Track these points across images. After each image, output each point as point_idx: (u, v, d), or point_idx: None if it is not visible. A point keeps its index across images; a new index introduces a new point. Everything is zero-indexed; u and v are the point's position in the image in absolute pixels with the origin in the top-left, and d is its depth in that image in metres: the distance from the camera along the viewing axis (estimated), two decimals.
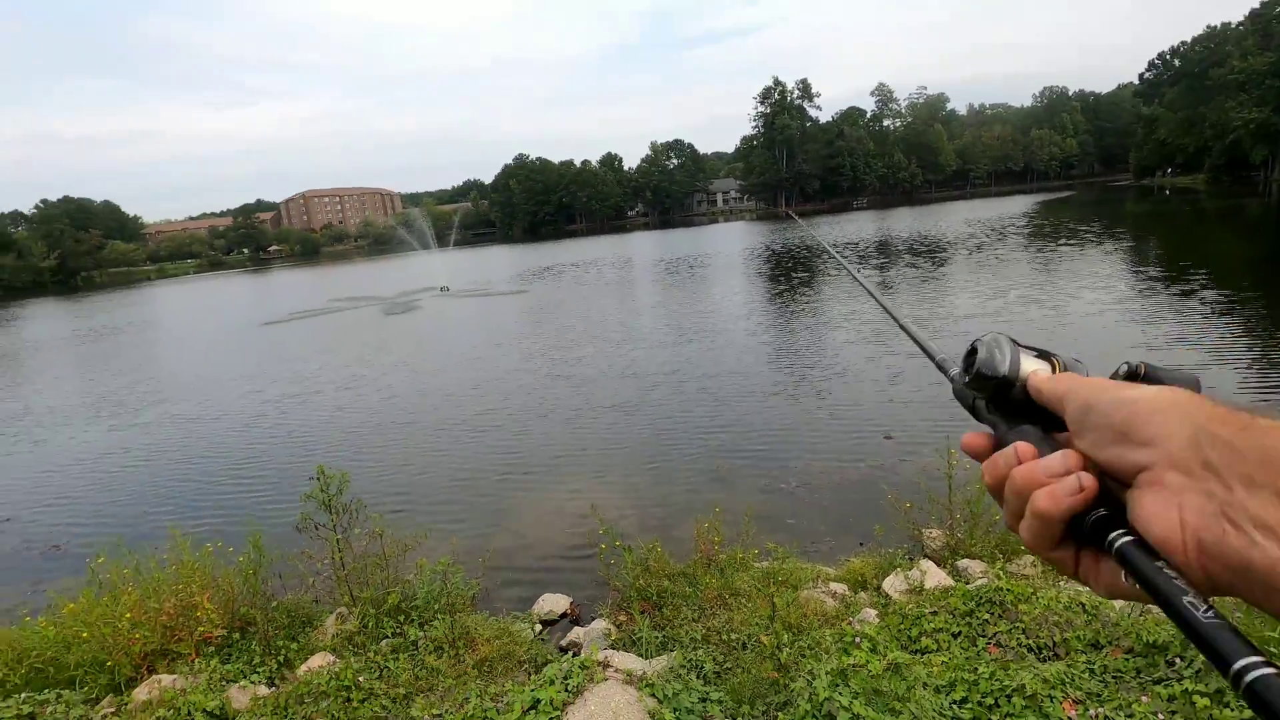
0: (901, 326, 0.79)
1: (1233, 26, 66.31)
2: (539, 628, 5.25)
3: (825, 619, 4.48)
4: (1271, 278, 17.74)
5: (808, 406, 10.30)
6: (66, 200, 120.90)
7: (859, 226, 51.88)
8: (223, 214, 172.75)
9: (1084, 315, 14.34)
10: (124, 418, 13.48)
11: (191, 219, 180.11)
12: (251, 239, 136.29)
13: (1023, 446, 0.50)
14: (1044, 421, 0.53)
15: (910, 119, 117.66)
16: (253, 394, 14.32)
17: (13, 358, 25.24)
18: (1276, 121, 56.31)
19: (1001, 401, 0.56)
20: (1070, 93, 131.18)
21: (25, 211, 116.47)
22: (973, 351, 0.57)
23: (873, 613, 4.46)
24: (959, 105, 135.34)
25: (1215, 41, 67.40)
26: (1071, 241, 28.21)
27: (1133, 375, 0.52)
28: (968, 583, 4.55)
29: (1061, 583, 4.51)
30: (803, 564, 5.53)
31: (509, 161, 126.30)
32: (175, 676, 4.22)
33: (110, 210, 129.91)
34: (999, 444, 0.54)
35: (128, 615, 4.41)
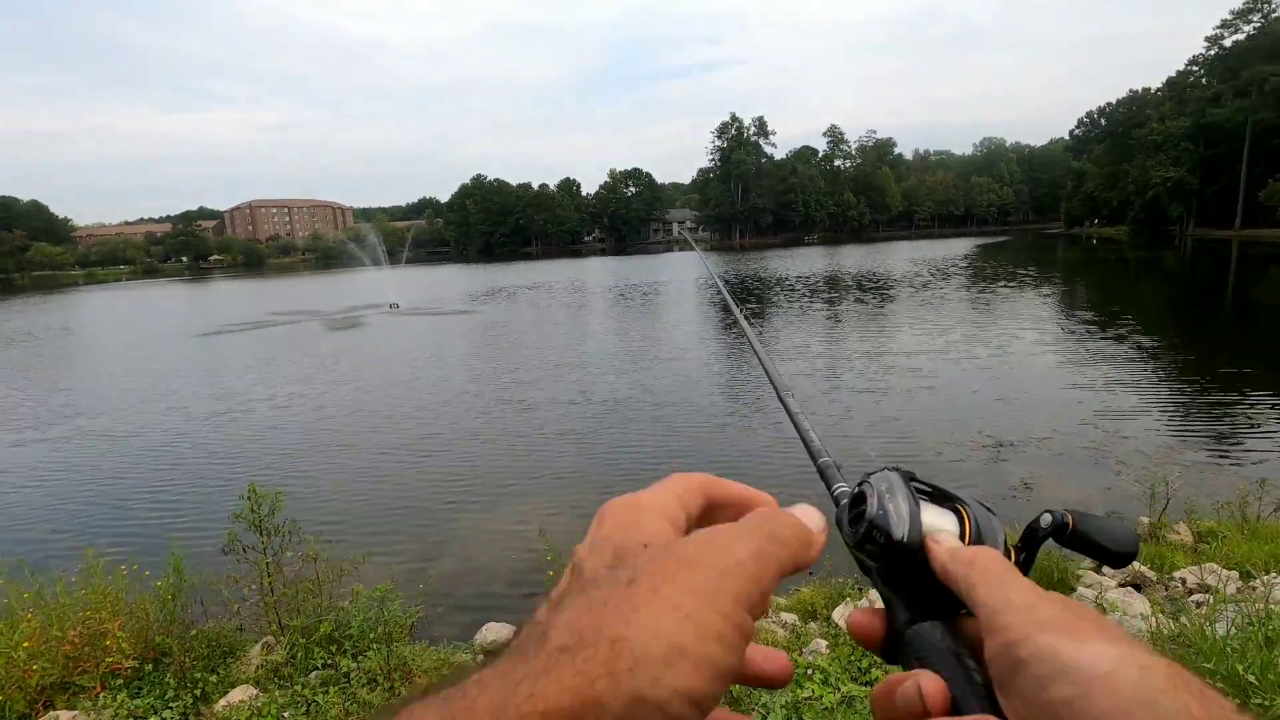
0: (787, 410, 0.66)
1: (1152, 92, 71.65)
2: (481, 658, 5.03)
3: (776, 649, 4.42)
4: (1192, 325, 18.96)
5: (758, 434, 10.36)
6: None
7: (809, 261, 53.32)
8: (161, 219, 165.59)
9: (1026, 354, 14.96)
10: (34, 431, 12.54)
11: (127, 223, 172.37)
12: (191, 247, 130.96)
13: (930, 687, 0.36)
14: (948, 605, 0.40)
15: (860, 160, 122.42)
16: (177, 409, 13.53)
17: None
18: (1190, 181, 60.91)
19: (896, 572, 0.42)
20: (1008, 144, 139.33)
21: None
22: (860, 498, 0.45)
23: (824, 643, 4.43)
24: (905, 150, 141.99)
25: (1136, 105, 72.58)
26: (1010, 284, 29.65)
27: (1060, 530, 0.45)
28: None
29: None
30: None
31: (466, 181, 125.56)
32: (75, 713, 3.85)
33: (37, 210, 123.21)
34: (893, 643, 0.41)
35: (25, 645, 4.01)
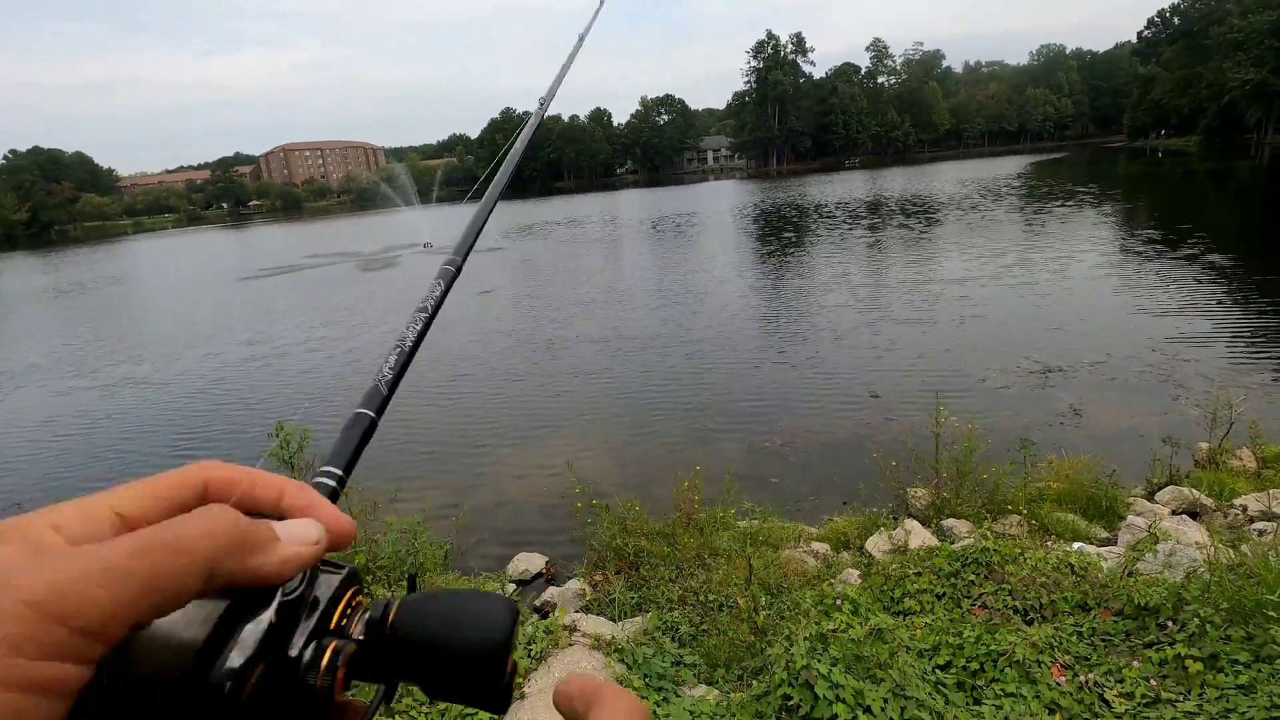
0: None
1: None
2: (513, 588, 5.11)
3: (806, 579, 4.35)
4: (1270, 241, 17.59)
5: (795, 366, 10.13)
6: (36, 151, 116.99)
7: (850, 186, 51.23)
8: (199, 167, 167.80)
9: (1082, 278, 14.08)
10: (80, 379, 13.00)
11: (168, 172, 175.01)
12: (231, 193, 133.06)
13: None
14: None
15: (905, 76, 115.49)
16: (214, 355, 13.87)
17: None
18: (1273, 82, 55.72)
19: None
20: (1068, 51, 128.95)
21: None
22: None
23: (855, 573, 4.33)
24: (955, 63, 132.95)
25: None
26: (1068, 203, 27.87)
27: (375, 631, 0.36)
28: (953, 542, 4.43)
29: (1049, 543, 4.40)
30: (784, 523, 5.40)
31: (495, 116, 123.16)
32: None
33: (82, 161, 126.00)
34: None
35: None
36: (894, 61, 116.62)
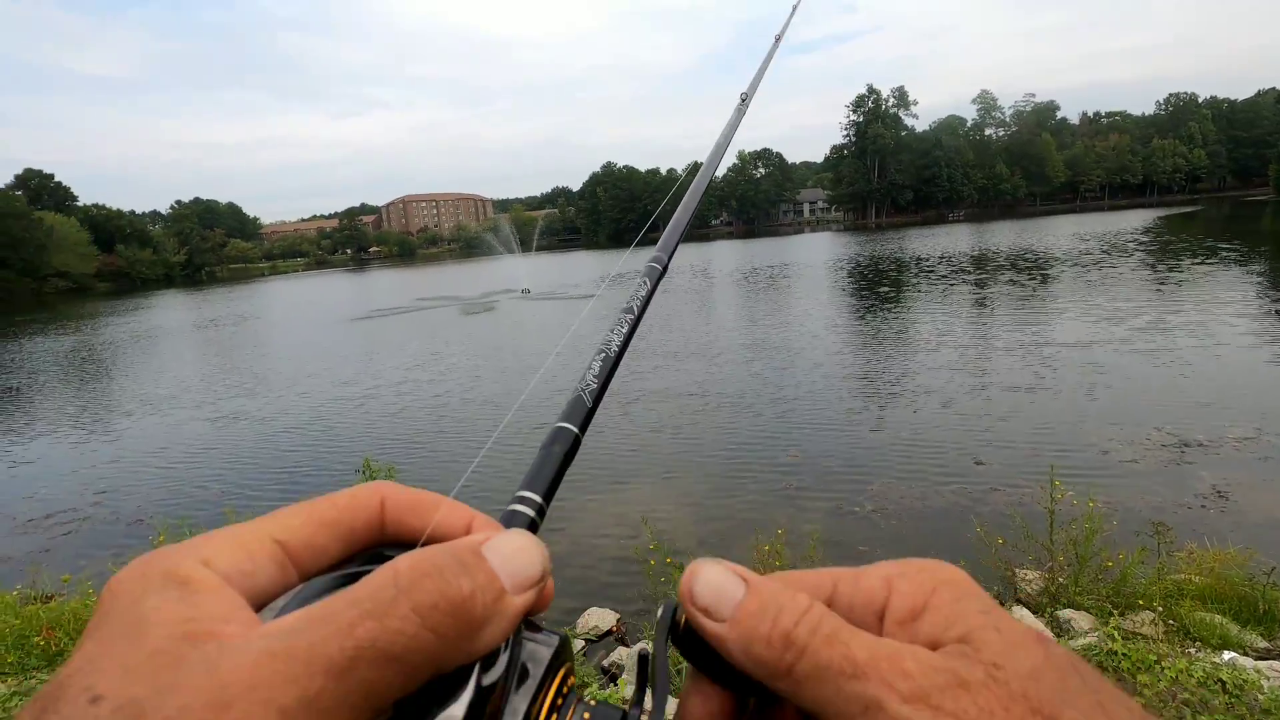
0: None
1: None
2: (580, 644, 4.95)
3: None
4: None
5: (889, 427, 9.56)
6: (197, 201, 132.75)
7: (954, 239, 49.27)
8: (330, 216, 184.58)
9: (1233, 346, 12.40)
10: (195, 410, 13.96)
11: (303, 220, 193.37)
12: (354, 240, 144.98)
13: None
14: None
15: (1015, 128, 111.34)
16: (319, 392, 14.71)
17: (139, 343, 27.56)
18: None
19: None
20: (1200, 99, 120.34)
21: (162, 211, 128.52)
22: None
23: None
24: (1070, 114, 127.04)
25: None
26: (1208, 261, 25.36)
27: (672, 629, 0.32)
28: (1071, 639, 3.89)
29: (1192, 649, 3.78)
30: None
31: (597, 169, 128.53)
32: None
33: (233, 211, 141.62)
34: None
35: None
36: (1003, 114, 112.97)
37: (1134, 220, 55.95)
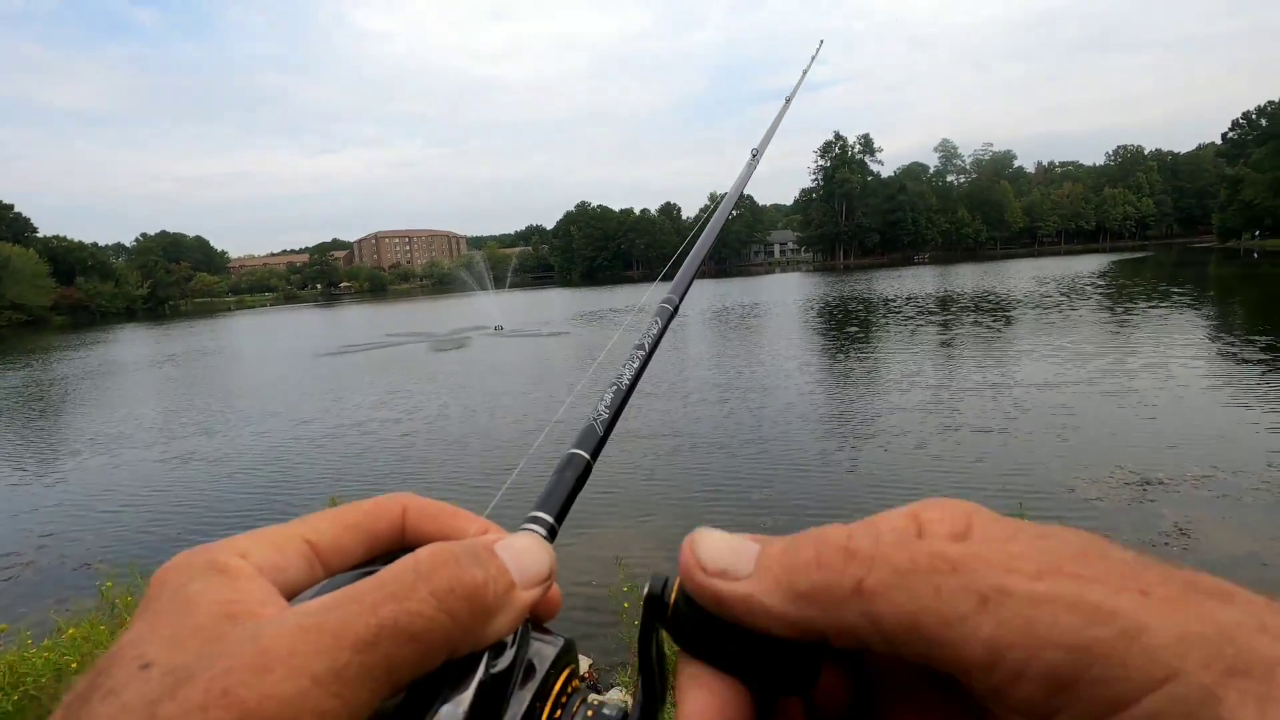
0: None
1: None
2: None
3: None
4: None
5: (861, 465, 9.64)
6: (163, 234, 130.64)
7: (919, 281, 50.67)
8: (300, 251, 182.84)
9: (1181, 385, 12.87)
10: (150, 450, 13.56)
11: (273, 255, 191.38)
12: (325, 275, 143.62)
13: None
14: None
15: (975, 175, 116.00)
16: (279, 431, 14.41)
17: (92, 378, 26.66)
18: None
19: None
20: (1146, 151, 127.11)
21: (126, 244, 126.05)
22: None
23: None
24: (1026, 163, 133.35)
25: None
26: (1162, 304, 26.43)
27: (655, 606, 0.30)
28: None
29: None
30: None
31: (571, 208, 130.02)
32: None
33: (200, 244, 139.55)
34: None
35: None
36: (963, 161, 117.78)
37: (1089, 264, 58.29)
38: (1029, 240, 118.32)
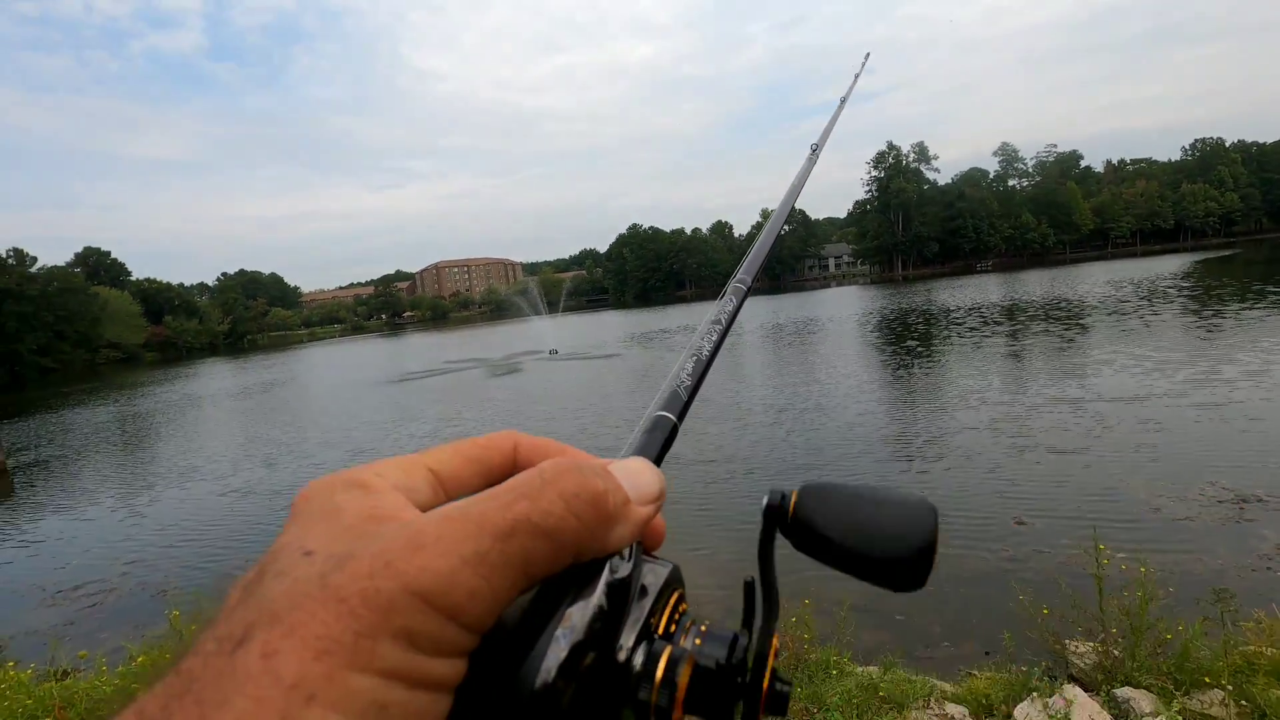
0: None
1: None
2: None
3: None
4: None
5: (923, 482, 9.22)
6: (241, 273, 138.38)
7: (983, 290, 48.73)
8: (366, 283, 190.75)
9: None
10: (216, 484, 14.13)
11: (340, 288, 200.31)
12: (389, 306, 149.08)
13: None
14: None
15: (1038, 178, 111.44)
16: (330, 463, 14.89)
17: (177, 411, 28.32)
18: None
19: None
20: (1228, 143, 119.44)
21: (209, 283, 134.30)
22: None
23: None
24: (1095, 162, 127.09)
25: None
26: (1258, 304, 24.25)
27: (775, 517, 0.37)
28: None
29: None
30: (911, 675, 4.64)
31: (623, 231, 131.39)
32: None
33: (275, 281, 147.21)
34: None
35: None
36: (1025, 164, 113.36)
37: (1169, 265, 54.91)
38: (1101, 242, 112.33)
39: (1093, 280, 45.76)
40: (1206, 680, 4.09)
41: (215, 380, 44.05)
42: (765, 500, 0.35)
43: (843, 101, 1.36)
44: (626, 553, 0.30)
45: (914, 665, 4.87)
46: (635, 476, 0.32)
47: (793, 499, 0.35)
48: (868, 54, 1.61)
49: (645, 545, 0.35)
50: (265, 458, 15.77)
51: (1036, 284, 48.61)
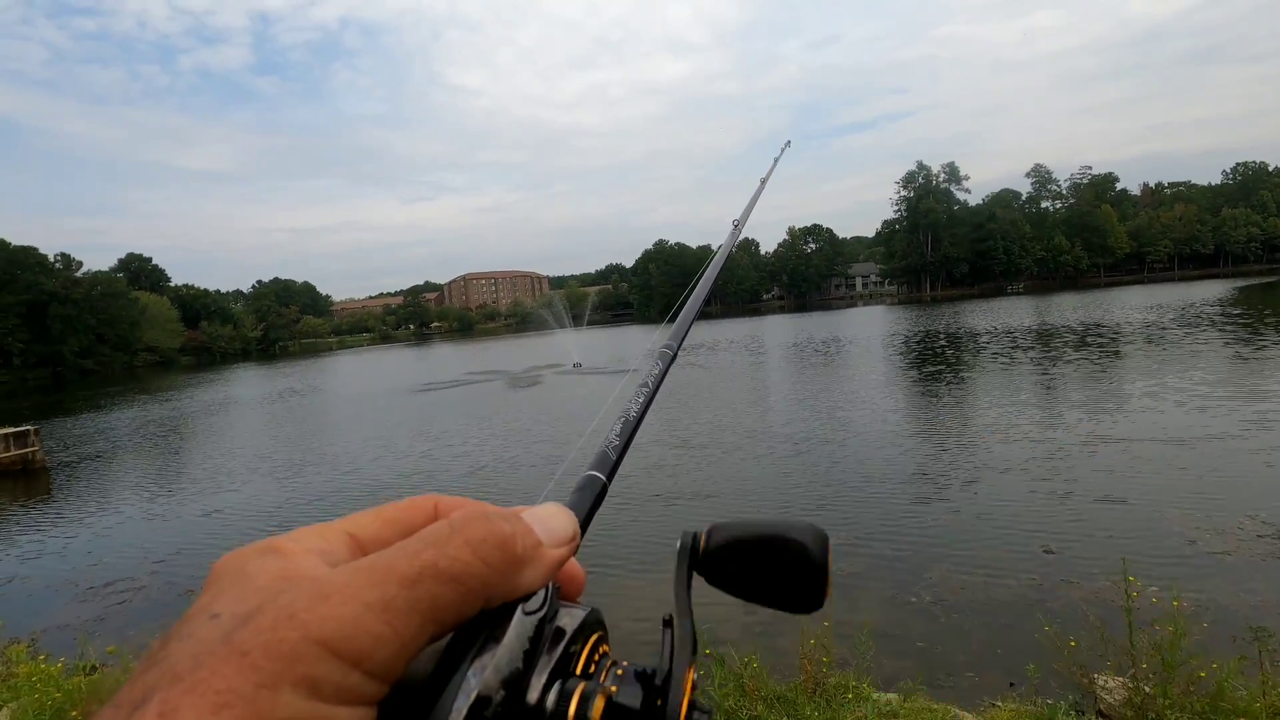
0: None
1: None
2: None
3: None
4: None
5: (949, 508, 9.06)
6: (275, 281, 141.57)
7: (1013, 313, 47.91)
8: (396, 293, 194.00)
9: None
10: (230, 493, 14.11)
11: (370, 298, 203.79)
12: (417, 316, 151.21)
13: None
14: None
15: (1072, 200, 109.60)
16: (361, 469, 15.06)
17: (212, 415, 28.96)
18: None
19: None
20: (1271, 168, 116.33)
21: (244, 290, 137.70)
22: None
23: None
24: (1130, 184, 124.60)
25: None
26: None
27: (690, 555, 0.39)
28: None
29: None
30: (932, 703, 4.55)
31: (649, 247, 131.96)
32: None
33: (308, 289, 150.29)
34: None
35: None
36: (1059, 186, 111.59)
37: (1209, 291, 53.50)
38: (1137, 266, 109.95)
39: (1129, 305, 44.74)
40: (1246, 717, 3.95)
41: (248, 386, 44.99)
42: (679, 542, 0.36)
43: (763, 182, 1.40)
44: (541, 596, 0.30)
45: (936, 693, 4.77)
46: (547, 520, 0.33)
47: (703, 538, 0.36)
48: (788, 141, 1.66)
49: (565, 593, 0.35)
50: (293, 463, 16.06)
51: (1070, 308, 47.66)
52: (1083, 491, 9.15)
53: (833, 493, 10.15)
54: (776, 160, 1.53)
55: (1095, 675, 4.68)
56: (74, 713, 4.41)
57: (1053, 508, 8.68)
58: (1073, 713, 4.35)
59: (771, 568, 0.36)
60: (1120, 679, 4.51)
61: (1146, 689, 4.31)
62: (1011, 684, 4.96)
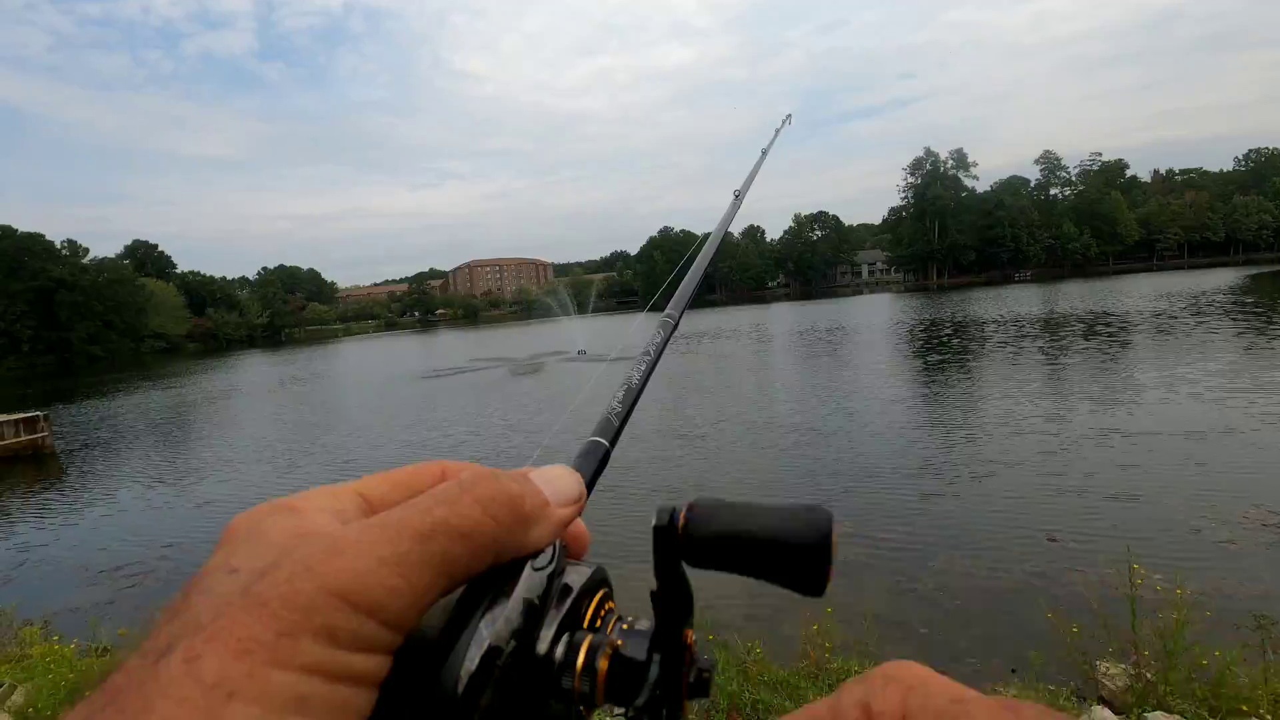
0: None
1: None
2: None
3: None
4: None
5: (952, 496, 9.06)
6: (281, 268, 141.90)
7: (1021, 300, 47.65)
8: (400, 280, 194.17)
9: None
10: (226, 485, 13.94)
11: (375, 285, 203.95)
12: (422, 303, 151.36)
13: None
14: None
15: (1081, 187, 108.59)
16: (364, 457, 15.16)
17: (217, 402, 29.15)
18: None
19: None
20: None
21: (250, 277, 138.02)
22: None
23: None
24: (1141, 172, 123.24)
25: None
26: None
27: (665, 535, 0.36)
28: None
29: None
30: None
31: (654, 234, 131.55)
32: None
33: (313, 276, 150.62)
34: None
35: None
36: (1068, 173, 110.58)
37: (1220, 279, 53.02)
38: (1146, 254, 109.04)
39: (1139, 293, 44.41)
40: (1244, 708, 3.96)
41: (256, 371, 45.22)
42: (653, 520, 0.35)
43: (764, 153, 1.39)
44: (549, 554, 0.32)
45: None
46: (554, 481, 0.34)
47: (681, 515, 0.35)
48: (789, 114, 1.64)
49: (571, 551, 0.36)
50: (301, 448, 16.18)
51: (1079, 296, 47.35)
52: (1087, 480, 9.14)
53: (837, 480, 10.17)
54: (778, 131, 1.51)
55: (1097, 662, 4.70)
56: (87, 692, 4.47)
57: (1057, 496, 8.67)
58: (1074, 699, 4.37)
59: (763, 554, 0.34)
60: (1122, 666, 4.53)
61: (1148, 676, 4.33)
62: (1013, 670, 4.98)
